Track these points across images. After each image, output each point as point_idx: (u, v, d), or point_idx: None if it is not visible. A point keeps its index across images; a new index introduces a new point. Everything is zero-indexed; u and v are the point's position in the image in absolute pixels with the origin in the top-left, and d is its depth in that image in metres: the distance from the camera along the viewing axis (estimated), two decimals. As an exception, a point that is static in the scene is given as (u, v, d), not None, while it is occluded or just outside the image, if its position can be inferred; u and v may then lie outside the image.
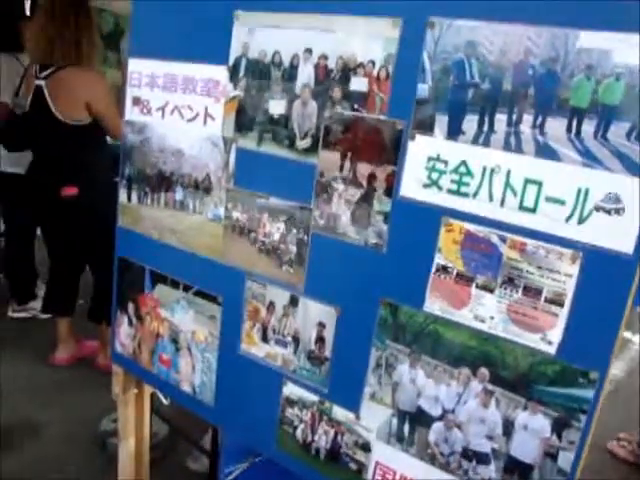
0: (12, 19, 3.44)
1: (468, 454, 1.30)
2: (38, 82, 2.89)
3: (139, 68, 1.69)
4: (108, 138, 3.11)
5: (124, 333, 1.88)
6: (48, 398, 3.24)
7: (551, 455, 1.21)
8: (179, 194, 1.65)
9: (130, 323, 1.86)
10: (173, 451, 2.93)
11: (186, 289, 1.68)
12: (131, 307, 1.84)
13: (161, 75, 1.63)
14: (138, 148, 1.73)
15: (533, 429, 1.21)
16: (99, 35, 3.08)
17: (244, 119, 1.50)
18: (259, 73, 1.46)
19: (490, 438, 1.27)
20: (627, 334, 4.89)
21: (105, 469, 2.55)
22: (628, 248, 1.07)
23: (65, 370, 3.53)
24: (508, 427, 1.24)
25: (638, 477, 3.15)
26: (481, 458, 1.28)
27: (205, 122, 1.57)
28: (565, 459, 1.19)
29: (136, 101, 1.70)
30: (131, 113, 1.73)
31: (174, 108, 1.63)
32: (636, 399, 3.63)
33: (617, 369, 4.28)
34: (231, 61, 1.50)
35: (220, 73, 1.52)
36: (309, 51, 1.38)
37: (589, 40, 1.08)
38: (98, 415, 2.96)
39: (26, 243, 3.96)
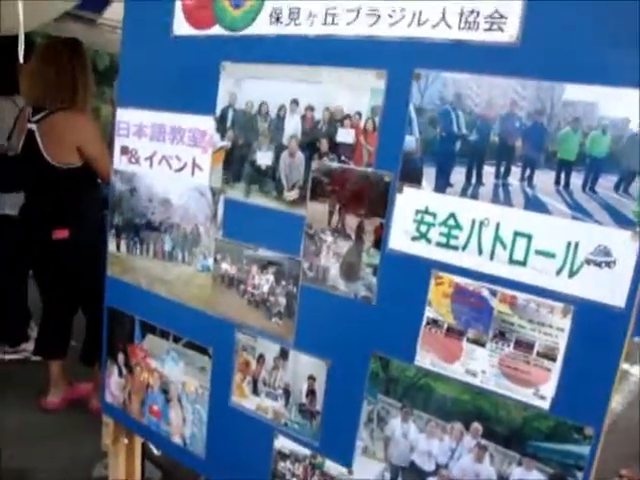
0: (9, 62, 3.45)
1: (463, 510, 1.27)
2: (30, 126, 2.89)
3: (127, 118, 1.69)
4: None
5: (114, 383, 1.85)
6: (39, 443, 3.19)
7: (548, 512, 1.18)
8: (168, 244, 1.64)
9: (120, 373, 1.83)
10: (167, 496, 2.88)
11: (176, 340, 1.66)
12: (121, 357, 1.81)
13: (149, 125, 1.63)
14: (126, 197, 1.72)
15: (529, 485, 1.19)
16: (94, 73, 3.09)
17: (232, 170, 1.50)
18: (246, 124, 1.46)
19: (485, 494, 1.24)
20: (625, 365, 4.85)
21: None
22: (620, 302, 1.06)
23: (56, 414, 3.47)
24: (503, 483, 1.22)
25: (640, 517, 3.10)
26: (476, 515, 1.26)
27: (193, 172, 1.57)
28: (563, 517, 1.16)
29: (124, 150, 1.70)
30: (119, 162, 1.72)
31: (162, 158, 1.62)
32: (636, 433, 3.59)
33: (616, 402, 4.24)
34: (218, 112, 1.50)
35: (207, 123, 1.52)
36: (295, 102, 1.38)
37: (574, 93, 1.08)
38: (90, 460, 2.90)
39: (18, 285, 3.93)
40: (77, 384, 3.60)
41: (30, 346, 3.87)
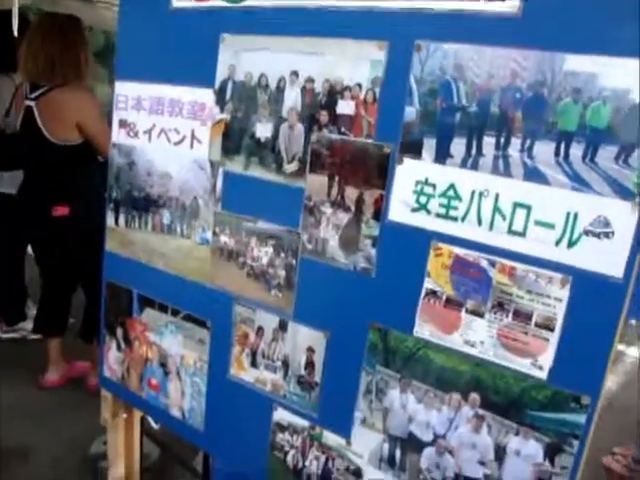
0: (5, 39, 3.42)
1: (460, 480, 1.28)
2: (28, 103, 2.87)
3: (125, 91, 1.68)
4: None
5: (112, 358, 1.86)
6: (37, 421, 3.20)
7: (544, 481, 1.19)
8: (166, 218, 1.64)
9: (119, 347, 1.83)
10: (165, 473, 2.89)
11: (174, 313, 1.66)
12: (119, 331, 1.81)
13: (147, 98, 1.62)
14: (125, 171, 1.71)
15: (525, 454, 1.20)
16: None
17: (231, 142, 1.49)
18: (245, 96, 1.45)
19: (482, 464, 1.25)
20: (621, 347, 4.88)
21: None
22: (618, 272, 1.06)
23: (55, 391, 3.48)
24: (500, 452, 1.23)
25: (633, 493, 3.14)
26: (473, 484, 1.27)
27: (192, 145, 1.56)
28: (558, 485, 1.18)
29: (123, 124, 1.69)
30: (118, 136, 1.72)
31: (161, 131, 1.61)
32: (630, 413, 3.61)
33: (610, 382, 4.27)
34: (217, 84, 1.49)
35: (206, 96, 1.51)
36: (295, 74, 1.37)
37: (575, 63, 1.08)
38: (89, 437, 2.92)
39: (16, 263, 3.93)
40: (75, 362, 3.61)
41: (28, 325, 3.88)
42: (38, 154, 2.96)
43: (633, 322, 5.26)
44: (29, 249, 3.62)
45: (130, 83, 1.67)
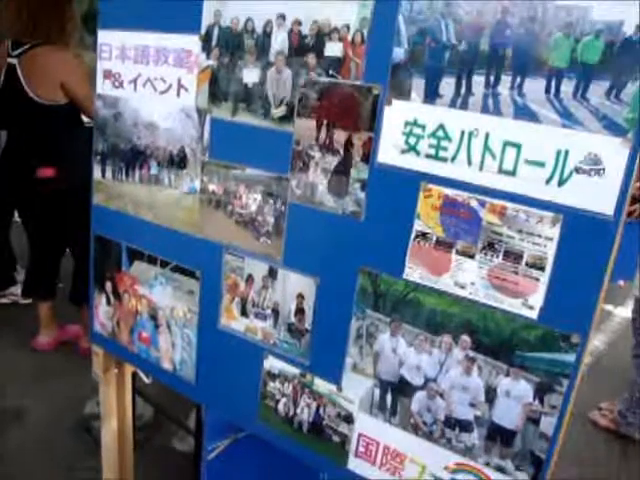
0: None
1: (451, 422, 1.29)
2: (10, 60, 2.82)
3: (109, 40, 1.64)
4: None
5: (102, 312, 1.85)
6: (31, 383, 3.21)
7: (533, 420, 1.20)
8: (154, 168, 1.62)
9: (108, 302, 1.83)
10: (159, 433, 2.92)
11: (164, 265, 1.65)
12: (109, 285, 1.80)
13: (132, 47, 1.59)
14: (111, 122, 1.69)
15: (515, 395, 1.21)
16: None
17: (218, 89, 1.47)
18: (232, 42, 1.42)
19: (473, 405, 1.26)
20: (608, 307, 4.92)
21: (90, 452, 2.53)
22: (608, 209, 1.05)
23: (47, 355, 3.49)
24: (490, 394, 1.23)
25: (619, 444, 3.19)
26: (464, 426, 1.28)
27: (178, 94, 1.53)
28: (547, 424, 1.18)
29: (107, 74, 1.66)
30: (102, 87, 1.68)
31: (146, 80, 1.59)
32: (617, 370, 3.66)
33: (598, 341, 4.31)
34: (203, 30, 1.46)
35: (192, 43, 1.48)
36: (282, 17, 1.34)
37: (567, -3, 1.06)
38: (82, 399, 2.93)
39: (3, 227, 3.90)
40: (67, 325, 3.61)
41: (17, 290, 3.87)
42: (21, 114, 2.91)
43: (622, 283, 5.31)
44: (16, 214, 3.59)
45: (114, 32, 1.63)
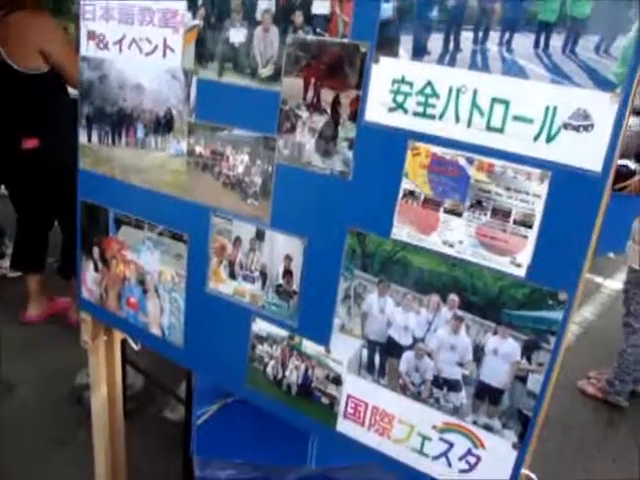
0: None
1: (439, 382, 1.29)
2: (-15, 29, 2.76)
3: (93, -1, 1.61)
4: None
5: (90, 279, 1.84)
6: (21, 355, 3.21)
7: (521, 378, 1.20)
8: (140, 131, 1.60)
9: (96, 268, 1.81)
10: (150, 402, 2.93)
11: (151, 229, 1.64)
12: (96, 251, 1.79)
13: (116, 6, 1.56)
14: (96, 85, 1.66)
15: (503, 353, 1.21)
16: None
17: (204, 49, 1.44)
18: (218, 0, 1.40)
19: (461, 365, 1.26)
20: (598, 279, 4.96)
21: (81, 422, 2.54)
22: (597, 166, 1.05)
23: (37, 327, 3.49)
24: (478, 353, 1.23)
25: (606, 412, 3.23)
26: (452, 385, 1.28)
27: (164, 54, 1.51)
28: (534, 382, 1.19)
29: (91, 35, 1.63)
30: (87, 48, 1.65)
31: (132, 41, 1.56)
32: (606, 340, 3.70)
33: (588, 312, 4.35)
34: (189, -12, 1.44)
35: (178, 2, 1.45)
36: (269, -26, 1.32)
37: (558, -50, 1.05)
38: (72, 370, 2.94)
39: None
40: (56, 298, 3.60)
41: (6, 263, 3.85)
42: (2, 83, 2.86)
43: (612, 255, 5.35)
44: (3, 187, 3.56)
45: (98, -10, 1.60)
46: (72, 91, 2.93)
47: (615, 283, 4.84)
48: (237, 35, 1.39)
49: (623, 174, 3.60)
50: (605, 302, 4.56)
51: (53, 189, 3.06)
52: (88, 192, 1.77)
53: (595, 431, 3.06)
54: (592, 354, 3.69)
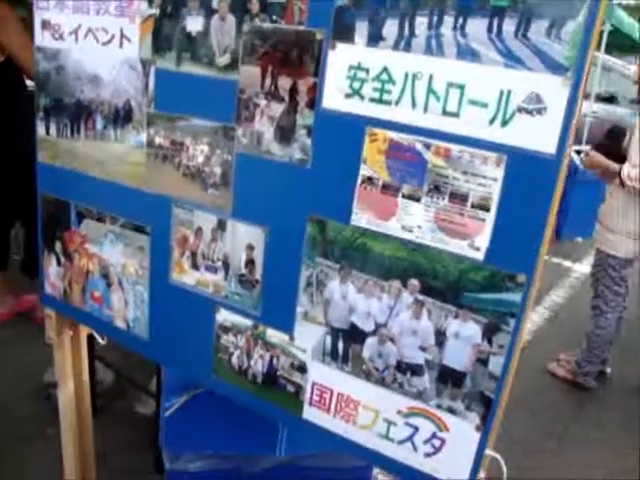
0: None
1: (402, 367, 1.30)
2: None
3: (46, -12, 1.58)
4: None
5: (53, 273, 1.82)
6: (-12, 353, 3.17)
7: (482, 361, 1.22)
8: (99, 123, 1.58)
9: (58, 262, 1.79)
10: (121, 397, 2.91)
11: (113, 222, 1.62)
12: (58, 245, 1.77)
13: (70, -5, 1.54)
14: (53, 77, 1.63)
15: (464, 337, 1.22)
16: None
17: (161, 39, 1.43)
18: (174, -12, 1.39)
19: (423, 349, 1.27)
20: (567, 263, 5.03)
21: (50, 420, 2.51)
22: (551, 148, 1.06)
23: (4, 325, 3.44)
24: (440, 337, 1.25)
25: (575, 393, 3.28)
26: (415, 370, 1.29)
27: (121, 44, 1.49)
28: (496, 364, 1.20)
29: (46, 25, 1.60)
30: (42, 38, 1.63)
31: (88, 31, 1.54)
32: (575, 323, 3.75)
33: (557, 296, 4.41)
34: (144, -23, 1.42)
35: (134, -10, 1.44)
36: (225, -38, 1.31)
37: None
38: (40, 368, 2.90)
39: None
40: (22, 295, 3.55)
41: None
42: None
43: (580, 240, 5.43)
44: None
45: (51, -21, 1.57)
46: (30, 82, 2.86)
47: (584, 267, 4.91)
48: (194, 24, 1.38)
49: None
50: (574, 286, 4.63)
51: (12, 185, 2.99)
52: (48, 186, 1.75)
53: (564, 412, 3.11)
54: (562, 337, 3.75)
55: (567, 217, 5.07)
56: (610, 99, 8.08)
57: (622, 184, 2.77)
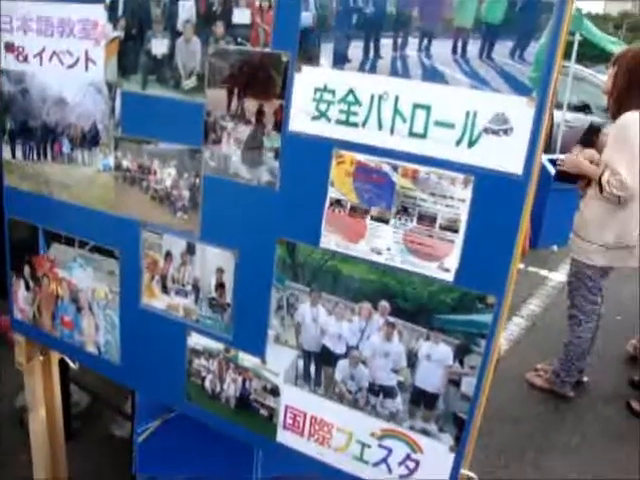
0: None
1: (375, 389, 1.29)
2: None
3: (8, 10, 1.56)
4: None
5: (22, 298, 1.79)
6: (-42, 377, 3.10)
7: (454, 382, 1.21)
8: (66, 146, 1.56)
9: (27, 287, 1.76)
10: (97, 419, 2.86)
11: (82, 246, 1.60)
12: (27, 270, 1.74)
13: (34, 17, 1.52)
14: (18, 99, 1.61)
15: (436, 358, 1.21)
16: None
17: (127, 61, 1.42)
18: (138, 10, 1.38)
19: (395, 371, 1.26)
20: (543, 272, 5.05)
21: (23, 446, 2.46)
22: (517, 169, 1.06)
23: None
24: (412, 359, 1.24)
25: (553, 402, 3.29)
26: (388, 392, 1.28)
27: (87, 67, 1.48)
28: (468, 385, 1.20)
29: (10, 47, 1.58)
30: (6, 61, 1.60)
31: (52, 54, 1.52)
32: (552, 332, 3.77)
33: (534, 305, 4.42)
34: (108, -1, 1.41)
35: (97, 12, 1.42)
36: (188, -17, 1.30)
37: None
38: (14, 391, 2.84)
39: None
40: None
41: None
42: None
43: (555, 248, 5.47)
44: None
45: (14, 1, 1.55)
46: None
47: (559, 275, 4.94)
48: (159, 46, 1.37)
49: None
50: (550, 294, 4.64)
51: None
52: (15, 209, 1.72)
53: (543, 422, 3.11)
54: (539, 346, 3.76)
55: (542, 225, 5.09)
56: (583, 108, 8.16)
57: (601, 190, 2.78)
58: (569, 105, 7.50)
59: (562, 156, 5.50)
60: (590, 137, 3.00)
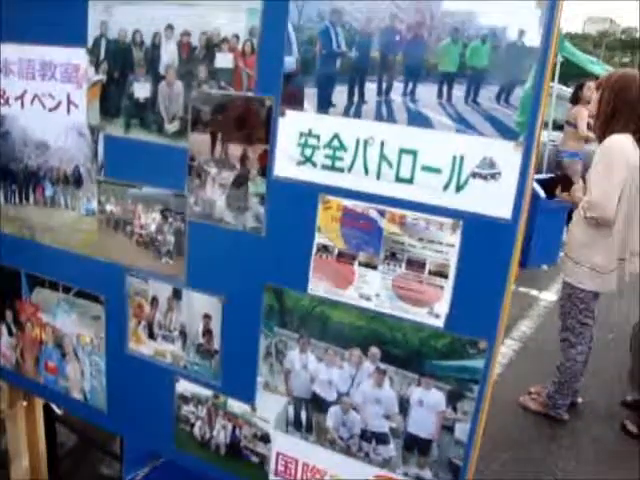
0: None
1: (367, 435, 1.27)
2: None
3: (-12, 54, 1.55)
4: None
5: (4, 343, 1.75)
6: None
7: (448, 428, 1.19)
8: (49, 190, 1.54)
9: (10, 332, 1.73)
10: (85, 459, 2.80)
11: (66, 290, 1.57)
12: (9, 315, 1.71)
13: (15, 61, 1.50)
14: (-1, 143, 1.59)
15: (428, 404, 1.19)
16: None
17: (109, 105, 1.40)
18: (121, 55, 1.36)
19: (387, 417, 1.24)
20: (533, 292, 5.04)
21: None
22: (506, 213, 1.05)
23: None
24: (404, 405, 1.22)
25: (548, 426, 3.26)
26: (380, 438, 1.26)
27: (69, 110, 1.46)
28: (462, 430, 1.18)
29: (-10, 91, 1.56)
30: (-14, 105, 1.59)
31: (34, 97, 1.50)
32: (545, 354, 3.75)
33: (525, 326, 4.41)
34: (90, 42, 1.39)
35: (79, 56, 1.41)
36: (171, 27, 1.29)
37: (453, 3, 1.05)
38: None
39: None
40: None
41: None
42: None
43: (545, 267, 5.47)
44: None
45: (-6, 44, 1.53)
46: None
47: (550, 295, 4.93)
48: (141, 90, 1.35)
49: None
50: (542, 314, 4.63)
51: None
52: (-3, 253, 1.69)
53: (539, 447, 3.08)
54: (532, 368, 3.73)
55: (532, 245, 5.10)
56: (567, 127, 8.22)
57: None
58: (554, 123, 7.54)
59: (549, 175, 5.53)
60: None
